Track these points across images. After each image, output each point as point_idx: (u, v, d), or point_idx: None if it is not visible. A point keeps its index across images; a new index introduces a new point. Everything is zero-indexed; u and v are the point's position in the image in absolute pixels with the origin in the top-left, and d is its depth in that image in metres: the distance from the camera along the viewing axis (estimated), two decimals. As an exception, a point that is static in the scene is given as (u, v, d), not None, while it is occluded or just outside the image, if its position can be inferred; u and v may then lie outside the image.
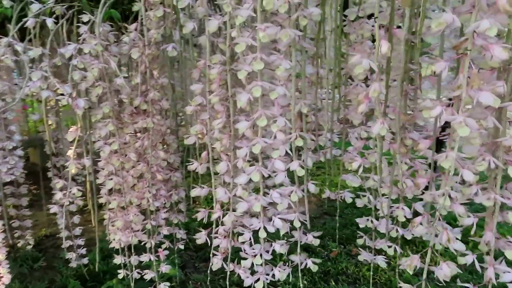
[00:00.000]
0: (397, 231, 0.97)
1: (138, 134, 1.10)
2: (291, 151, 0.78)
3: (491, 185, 0.71)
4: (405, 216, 0.95)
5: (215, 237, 0.90)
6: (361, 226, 1.05)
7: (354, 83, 0.89)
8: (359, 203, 1.03)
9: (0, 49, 1.08)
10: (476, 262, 0.76)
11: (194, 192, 0.91)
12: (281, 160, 0.77)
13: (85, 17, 1.08)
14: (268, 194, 0.81)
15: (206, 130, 0.88)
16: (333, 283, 1.98)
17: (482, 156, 0.66)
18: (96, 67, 1.02)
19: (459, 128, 0.59)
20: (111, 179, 1.11)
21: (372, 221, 1.01)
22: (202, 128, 0.88)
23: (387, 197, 0.99)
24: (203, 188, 0.91)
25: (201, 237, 0.94)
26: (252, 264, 0.87)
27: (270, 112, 0.74)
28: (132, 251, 1.24)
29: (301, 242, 0.89)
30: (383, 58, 0.68)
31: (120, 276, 1.28)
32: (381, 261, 1.03)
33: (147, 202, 1.14)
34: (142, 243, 1.25)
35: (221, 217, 0.87)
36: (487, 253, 0.75)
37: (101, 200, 1.21)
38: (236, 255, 0.92)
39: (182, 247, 1.27)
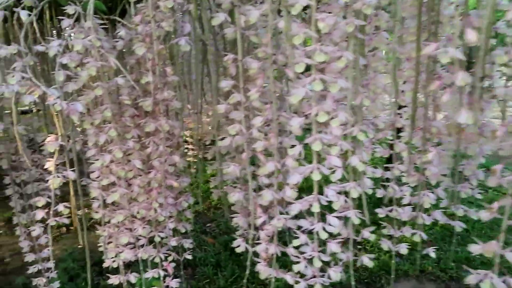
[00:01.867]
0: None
1: (142, 139, 0.99)
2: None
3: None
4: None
5: (256, 244, 0.84)
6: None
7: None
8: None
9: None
10: None
11: (234, 198, 0.84)
12: (337, 156, 0.73)
13: (70, 9, 0.94)
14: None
15: (242, 129, 0.81)
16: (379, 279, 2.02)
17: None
18: (93, 65, 0.90)
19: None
20: (115, 191, 0.98)
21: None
22: (241, 128, 0.81)
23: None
24: (239, 191, 0.85)
25: (240, 244, 0.87)
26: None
27: (329, 106, 0.70)
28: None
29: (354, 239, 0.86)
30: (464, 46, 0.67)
31: (120, 297, 1.16)
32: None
33: (155, 212, 1.03)
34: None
35: (267, 221, 0.81)
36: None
37: (97, 216, 1.08)
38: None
39: (189, 257, 1.17)
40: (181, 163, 1.01)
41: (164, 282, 1.13)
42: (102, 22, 0.98)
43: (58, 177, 1.05)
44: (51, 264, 1.51)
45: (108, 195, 1.03)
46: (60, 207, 1.08)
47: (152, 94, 0.90)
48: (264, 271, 0.84)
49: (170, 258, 1.14)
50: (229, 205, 1.02)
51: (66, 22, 0.94)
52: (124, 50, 1.07)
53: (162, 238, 1.09)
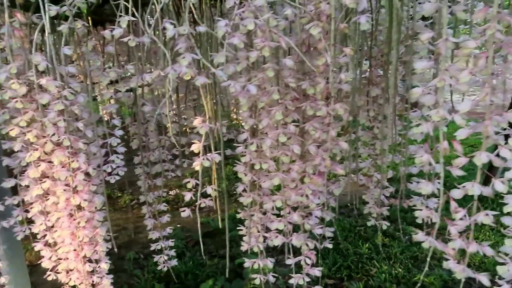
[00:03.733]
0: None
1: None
2: None
3: None
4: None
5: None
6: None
7: None
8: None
9: None
10: None
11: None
12: None
13: None
14: None
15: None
16: (427, 269, 1.90)
17: None
18: (266, 46, 0.86)
19: None
20: (273, 176, 0.96)
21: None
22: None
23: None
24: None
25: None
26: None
27: None
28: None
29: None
30: None
31: (257, 282, 1.15)
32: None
33: (307, 199, 1.00)
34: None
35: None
36: None
37: (242, 200, 1.07)
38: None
39: (330, 246, 1.14)
40: (348, 150, 0.96)
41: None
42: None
43: (208, 159, 1.05)
44: (170, 242, 1.55)
45: (260, 180, 1.01)
46: (209, 190, 1.08)
47: (330, 76, 0.85)
48: (459, 270, 0.78)
49: (311, 246, 1.11)
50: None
51: (231, 1, 0.91)
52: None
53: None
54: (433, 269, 1.91)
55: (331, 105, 0.87)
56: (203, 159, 1.03)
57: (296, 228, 1.08)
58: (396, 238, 2.15)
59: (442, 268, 1.89)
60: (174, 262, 1.57)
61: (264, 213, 1.08)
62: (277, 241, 1.04)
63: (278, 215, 1.07)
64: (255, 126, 0.99)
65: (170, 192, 3.07)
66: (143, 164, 1.42)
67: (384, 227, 1.25)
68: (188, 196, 1.08)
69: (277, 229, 1.05)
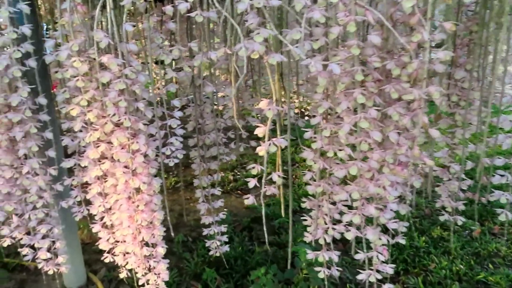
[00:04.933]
0: None
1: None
2: None
3: None
4: None
5: None
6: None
7: None
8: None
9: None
10: None
11: None
12: None
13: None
14: None
15: None
16: (491, 266, 1.79)
17: None
18: (351, 21, 0.77)
19: None
20: (351, 165, 0.88)
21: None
22: None
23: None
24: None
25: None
26: None
27: None
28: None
29: None
30: None
31: (321, 275, 1.09)
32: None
33: (384, 190, 0.91)
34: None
35: None
36: None
37: (311, 189, 1.00)
38: None
39: (403, 241, 1.05)
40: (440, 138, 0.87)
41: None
42: None
43: (275, 145, 0.98)
44: (223, 228, 1.51)
45: (331, 168, 0.94)
46: (274, 176, 1.01)
47: (425, 55, 0.75)
48: None
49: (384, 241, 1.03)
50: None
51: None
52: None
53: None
54: (498, 268, 1.79)
55: (423, 88, 0.78)
56: (270, 144, 0.97)
57: (366, 221, 1.00)
58: (456, 232, 2.03)
59: (508, 266, 1.78)
60: (226, 248, 1.53)
61: (333, 204, 1.00)
62: (350, 234, 0.96)
63: (348, 206, 0.99)
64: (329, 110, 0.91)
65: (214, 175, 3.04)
66: (198, 147, 1.38)
67: (460, 223, 1.14)
68: (252, 182, 1.01)
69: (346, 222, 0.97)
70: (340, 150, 0.89)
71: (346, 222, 0.97)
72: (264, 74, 1.46)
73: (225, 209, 1.51)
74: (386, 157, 0.88)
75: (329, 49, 0.85)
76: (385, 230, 1.01)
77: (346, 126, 0.86)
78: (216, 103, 1.35)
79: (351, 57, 0.82)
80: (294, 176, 2.73)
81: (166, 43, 1.26)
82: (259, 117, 1.30)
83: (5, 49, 1.06)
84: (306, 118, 1.92)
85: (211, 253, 1.50)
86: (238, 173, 2.94)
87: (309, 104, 1.89)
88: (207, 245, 1.51)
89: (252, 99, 1.43)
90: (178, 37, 1.12)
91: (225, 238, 1.50)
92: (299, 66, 1.36)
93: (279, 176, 1.00)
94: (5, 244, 1.21)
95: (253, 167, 1.00)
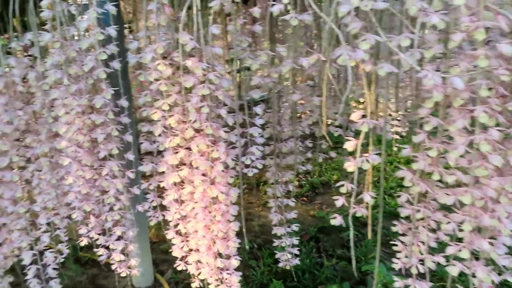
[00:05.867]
0: None
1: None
2: None
3: None
4: None
5: None
6: None
7: None
8: None
9: None
10: None
11: None
12: None
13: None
14: None
15: None
16: None
17: None
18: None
19: None
20: (466, 192, 0.77)
21: None
22: None
23: None
24: None
25: None
26: None
27: None
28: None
29: None
30: None
31: None
32: None
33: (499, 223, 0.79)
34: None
35: None
36: None
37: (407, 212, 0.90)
38: None
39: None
40: None
41: None
42: None
43: (367, 161, 0.89)
44: (295, 240, 1.44)
45: (434, 193, 0.83)
46: (367, 197, 0.92)
47: None
48: None
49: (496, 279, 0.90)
50: None
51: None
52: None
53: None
54: None
55: None
56: (362, 160, 0.88)
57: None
58: None
59: None
60: (297, 261, 1.45)
61: (432, 231, 0.89)
62: (454, 269, 0.85)
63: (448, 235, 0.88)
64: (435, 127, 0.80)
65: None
66: (274, 155, 1.31)
67: None
68: (340, 201, 0.93)
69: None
70: (451, 174, 0.78)
71: (449, 254, 0.85)
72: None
73: (297, 223, 1.43)
74: (505, 185, 0.76)
75: (444, 59, 0.74)
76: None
77: (460, 147, 0.74)
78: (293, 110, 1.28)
79: (474, 69, 0.70)
80: (361, 186, 2.58)
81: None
82: (345, 128, 1.21)
83: (91, 50, 1.06)
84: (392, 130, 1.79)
85: (280, 265, 1.44)
86: (303, 179, 2.85)
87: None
88: (276, 256, 1.44)
89: (334, 106, 1.34)
90: (266, 41, 1.06)
91: (296, 250, 1.43)
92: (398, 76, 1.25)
93: (371, 196, 0.91)
94: (82, 244, 1.22)
95: (342, 185, 0.91)
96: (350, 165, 0.89)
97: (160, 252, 1.85)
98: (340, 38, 0.73)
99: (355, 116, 0.88)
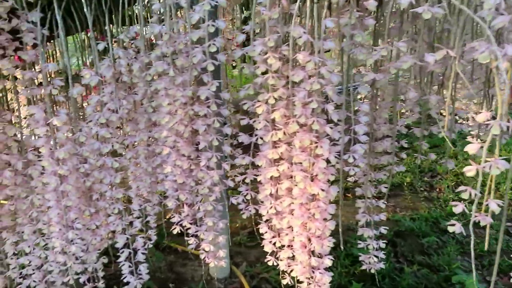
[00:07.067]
0: None
1: None
2: None
3: None
4: None
5: None
6: None
7: None
8: None
9: None
10: None
11: None
12: None
13: None
14: None
15: None
16: None
17: None
18: None
19: None
20: None
21: None
22: None
23: None
24: None
25: None
26: None
27: None
28: None
29: None
30: None
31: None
32: None
33: None
34: None
35: None
36: None
37: None
38: None
39: None
40: None
41: None
42: None
43: (497, 167, 0.82)
44: (381, 243, 1.39)
45: None
46: (492, 205, 0.85)
47: None
48: None
49: None
50: None
51: None
52: None
53: None
54: None
55: None
56: (490, 166, 0.82)
57: None
58: None
59: None
60: (381, 265, 1.40)
61: None
62: None
63: None
64: None
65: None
66: (368, 154, 1.27)
67: None
68: (460, 207, 0.87)
69: None
70: None
71: None
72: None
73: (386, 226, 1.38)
74: None
75: None
76: None
77: None
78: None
79: None
80: (438, 189, 2.48)
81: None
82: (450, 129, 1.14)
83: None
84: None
85: (363, 267, 1.39)
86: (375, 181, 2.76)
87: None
88: (361, 259, 1.40)
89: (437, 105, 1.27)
90: (386, 35, 1.01)
91: (382, 254, 1.38)
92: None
93: (498, 205, 0.85)
94: (174, 232, 1.25)
95: (465, 190, 0.86)
96: (471, 170, 0.83)
97: (233, 244, 1.86)
98: (488, 33, 0.68)
99: (481, 117, 0.83)
